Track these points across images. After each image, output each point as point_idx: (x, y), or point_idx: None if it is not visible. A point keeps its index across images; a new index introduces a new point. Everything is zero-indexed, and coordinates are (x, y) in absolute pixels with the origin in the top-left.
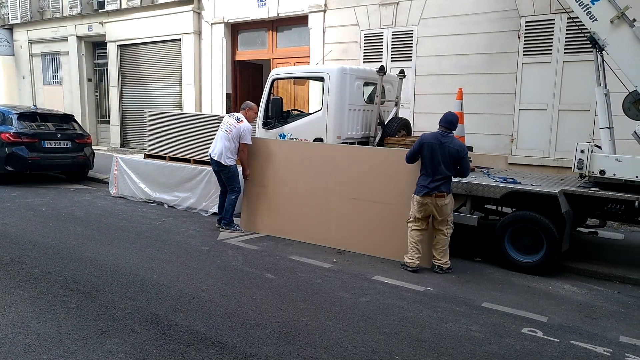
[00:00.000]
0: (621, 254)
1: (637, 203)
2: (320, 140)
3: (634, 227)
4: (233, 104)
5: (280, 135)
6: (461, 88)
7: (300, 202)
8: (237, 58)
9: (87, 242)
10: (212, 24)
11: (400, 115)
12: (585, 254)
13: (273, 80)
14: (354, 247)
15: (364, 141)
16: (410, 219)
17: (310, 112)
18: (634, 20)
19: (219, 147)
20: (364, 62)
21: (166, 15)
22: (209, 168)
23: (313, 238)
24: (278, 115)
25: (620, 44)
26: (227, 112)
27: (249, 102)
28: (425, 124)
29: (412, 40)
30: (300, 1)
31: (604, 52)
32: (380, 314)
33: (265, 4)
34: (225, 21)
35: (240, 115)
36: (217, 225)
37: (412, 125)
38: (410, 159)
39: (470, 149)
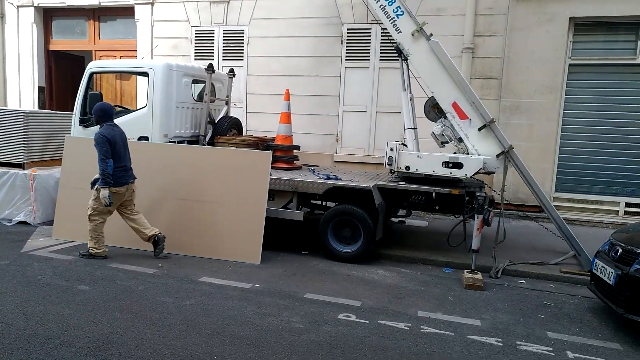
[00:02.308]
0: (425, 239)
1: (433, 194)
2: (146, 138)
3: (436, 215)
4: (47, 98)
5: None
6: (288, 89)
7: None
8: (52, 47)
9: None
10: (18, 6)
11: (233, 114)
12: (396, 241)
13: (91, 74)
14: (183, 249)
15: (194, 140)
16: (100, 214)
17: (134, 109)
18: (431, 35)
19: None
20: (195, 59)
21: None
22: (13, 171)
23: (138, 243)
24: None
25: (420, 54)
26: (39, 107)
27: None
28: (257, 124)
29: (243, 39)
30: None
31: (408, 60)
32: (203, 315)
33: None
34: (35, 5)
35: None
36: None
37: (244, 124)
38: (108, 156)
39: (298, 147)
